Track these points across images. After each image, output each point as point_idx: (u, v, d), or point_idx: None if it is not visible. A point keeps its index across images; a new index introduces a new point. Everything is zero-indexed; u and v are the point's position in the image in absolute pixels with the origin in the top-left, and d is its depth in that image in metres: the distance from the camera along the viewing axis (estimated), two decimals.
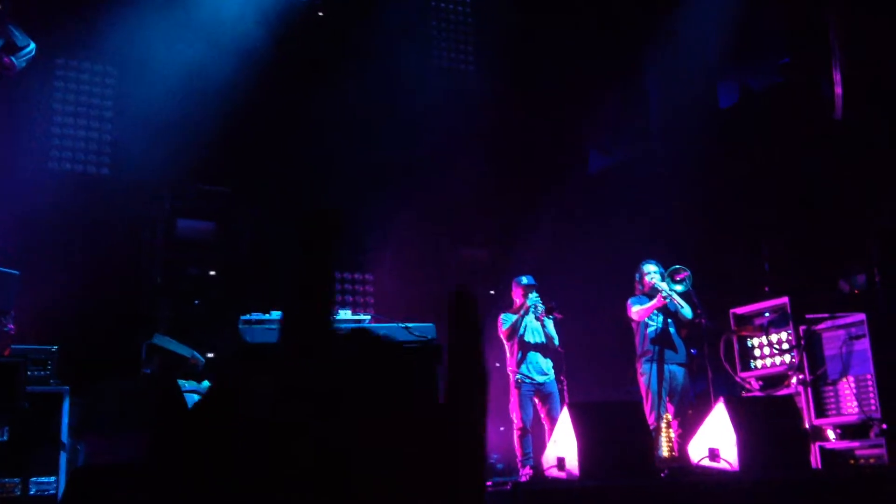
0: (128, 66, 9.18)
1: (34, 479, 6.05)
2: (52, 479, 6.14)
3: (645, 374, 7.23)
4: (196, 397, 6.60)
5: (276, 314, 5.16)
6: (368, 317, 5.38)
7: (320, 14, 9.95)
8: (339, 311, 5.38)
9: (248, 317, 5.03)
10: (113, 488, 4.58)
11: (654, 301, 7.26)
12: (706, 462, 6.11)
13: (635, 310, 7.35)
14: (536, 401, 7.47)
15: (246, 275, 8.99)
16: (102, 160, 9.18)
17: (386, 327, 5.21)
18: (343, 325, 5.19)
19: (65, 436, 6.24)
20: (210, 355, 7.60)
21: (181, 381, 6.51)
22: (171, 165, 8.91)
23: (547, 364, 7.54)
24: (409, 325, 5.21)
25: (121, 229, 8.81)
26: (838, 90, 7.77)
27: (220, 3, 8.95)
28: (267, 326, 5.01)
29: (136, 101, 8.98)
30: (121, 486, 4.60)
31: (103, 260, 8.47)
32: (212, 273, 8.97)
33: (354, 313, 5.41)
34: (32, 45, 7.35)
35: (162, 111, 8.74)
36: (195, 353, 6.69)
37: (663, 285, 7.27)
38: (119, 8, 8.67)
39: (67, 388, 6.35)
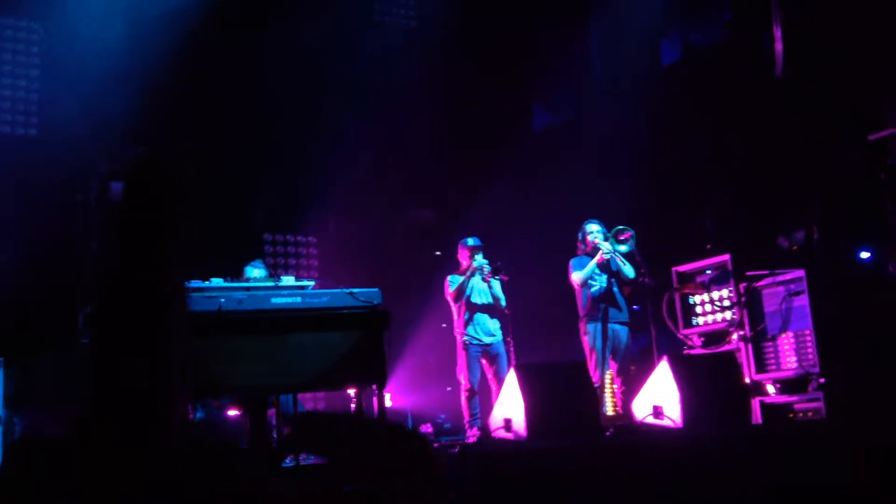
0: (54, 21, 8.80)
1: None
2: None
3: (588, 333, 7.27)
4: None
5: (216, 281, 5.03)
6: (312, 282, 5.26)
7: None
8: (283, 277, 5.25)
9: (188, 284, 4.89)
10: (50, 461, 4.47)
11: (595, 259, 7.27)
12: (650, 419, 6.20)
13: (574, 277, 7.35)
14: (484, 362, 7.47)
15: (183, 240, 8.77)
16: (31, 121, 8.84)
17: (330, 293, 5.11)
18: (286, 291, 5.09)
19: (0, 408, 6.07)
20: None
21: None
22: (104, 126, 8.61)
23: (494, 325, 7.54)
24: (355, 290, 5.11)
25: (53, 193, 8.51)
26: (779, 47, 7.81)
27: None
28: (207, 294, 4.87)
29: (65, 58, 8.65)
30: (58, 458, 4.49)
31: (35, 225, 8.18)
32: None
33: (298, 279, 5.29)
34: None
35: (93, 69, 8.41)
36: None
37: (606, 245, 7.28)
38: None
39: (2, 359, 6.17)
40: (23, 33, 8.93)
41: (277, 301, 4.97)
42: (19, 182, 8.23)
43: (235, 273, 6.46)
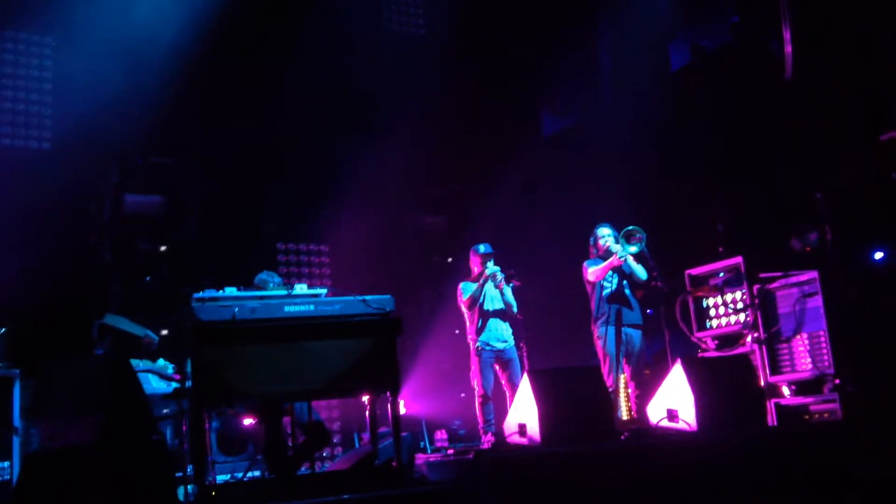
0: (67, 36, 8.89)
1: None
2: (6, 463, 6.03)
3: (601, 337, 7.26)
4: (151, 377, 6.50)
5: (229, 291, 5.06)
6: (325, 290, 5.28)
7: None
8: (296, 286, 5.27)
9: (201, 294, 4.91)
10: (68, 472, 4.50)
11: (610, 260, 7.27)
12: (665, 423, 6.18)
13: (591, 270, 7.34)
14: (497, 368, 7.48)
15: (197, 249, 8.83)
16: (44, 134, 8.93)
17: (342, 300, 5.13)
18: (299, 299, 5.11)
19: (17, 420, 6.10)
20: (164, 333, 7.47)
21: (135, 361, 6.39)
22: (116, 138, 8.68)
23: (507, 330, 7.55)
24: (367, 297, 5.13)
25: (67, 205, 8.59)
26: (788, 49, 7.79)
27: None
28: (221, 304, 4.89)
29: (78, 72, 8.72)
30: (76, 469, 4.52)
31: (50, 238, 8.26)
32: (162, 248, 8.80)
33: (311, 286, 5.31)
34: None
35: (105, 83, 8.49)
36: (148, 331, 6.57)
37: (617, 247, 7.28)
38: None
39: (18, 371, 6.20)
40: (35, 48, 9.03)
41: (291, 309, 4.99)
42: (34, 195, 8.30)
43: (249, 282, 6.49)
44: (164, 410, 6.47)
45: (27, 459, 5.80)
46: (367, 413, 5.71)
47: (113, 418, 4.87)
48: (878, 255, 7.78)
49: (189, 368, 5.39)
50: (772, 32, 8.05)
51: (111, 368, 5.41)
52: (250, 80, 9.38)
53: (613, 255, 7.24)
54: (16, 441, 6.05)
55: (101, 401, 5.07)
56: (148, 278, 8.65)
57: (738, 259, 7.34)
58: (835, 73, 7.87)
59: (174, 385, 6.39)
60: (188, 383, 5.78)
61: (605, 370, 7.08)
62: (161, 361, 6.72)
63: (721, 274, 7.50)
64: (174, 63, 8.55)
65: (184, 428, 6.24)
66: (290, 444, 6.15)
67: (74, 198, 8.71)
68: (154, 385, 6.49)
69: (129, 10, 8.50)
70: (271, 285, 6.45)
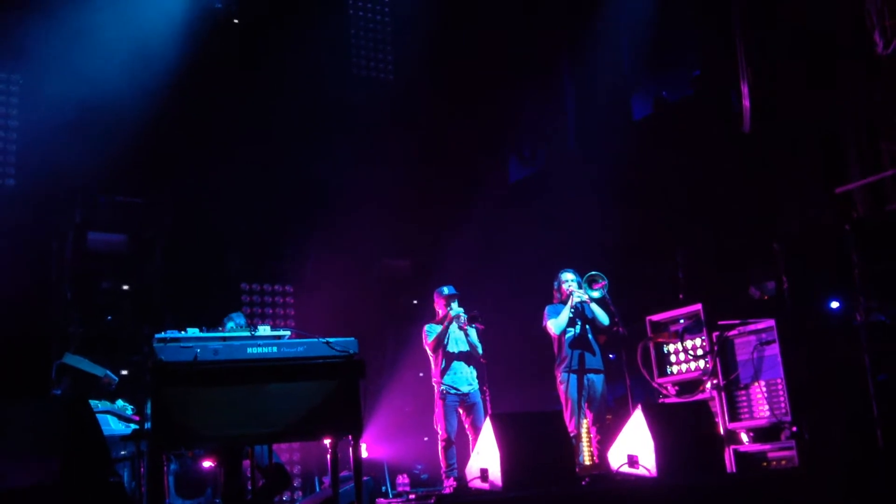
0: (33, 74, 8.88)
1: None
2: None
3: (564, 382, 7.30)
4: (109, 418, 6.41)
5: (191, 332, 5.03)
6: (288, 332, 5.27)
7: (235, 21, 9.80)
8: (259, 327, 5.26)
9: (162, 335, 4.88)
10: None
11: (568, 304, 7.34)
12: (626, 468, 6.23)
13: (550, 324, 7.42)
14: (461, 412, 7.48)
15: (160, 289, 8.77)
16: (7, 171, 8.88)
17: (306, 342, 5.13)
18: (262, 341, 5.10)
19: None
20: (124, 373, 7.39)
21: (94, 402, 6.30)
22: (80, 176, 8.64)
23: (471, 374, 7.56)
24: (331, 339, 5.13)
25: (28, 242, 8.52)
26: (746, 103, 8.02)
27: (131, 11, 8.72)
28: (182, 345, 4.86)
29: (43, 110, 8.70)
30: None
31: (10, 275, 8.15)
32: (125, 287, 8.72)
33: (274, 328, 5.30)
34: None
35: (70, 121, 8.48)
36: (108, 371, 6.48)
37: (579, 291, 7.37)
38: (24, 14, 8.37)
39: None
40: (2, 85, 9.01)
41: (253, 351, 4.97)
42: None
43: (212, 322, 6.46)
44: (123, 452, 6.36)
45: None
46: (328, 456, 5.68)
47: (70, 459, 4.79)
48: (834, 305, 7.94)
49: (148, 410, 5.33)
50: (731, 86, 8.30)
51: (69, 409, 5.33)
52: (216, 120, 9.42)
53: (571, 296, 7.33)
54: None
55: (58, 442, 4.99)
56: (109, 318, 8.56)
57: (698, 306, 7.46)
58: (792, 126, 8.10)
59: (133, 426, 6.31)
60: (147, 425, 5.70)
61: (567, 415, 7.11)
62: (120, 402, 6.63)
63: (681, 321, 7.61)
64: (140, 103, 8.56)
65: (142, 470, 6.14)
66: (250, 488, 6.08)
67: (37, 234, 8.63)
68: (113, 426, 6.40)
69: (95, 49, 8.52)
70: (232, 325, 6.43)
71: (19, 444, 5.16)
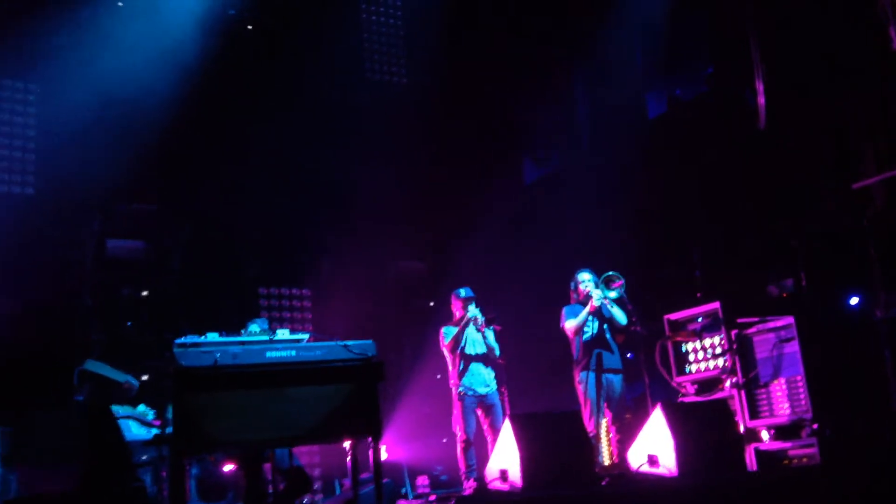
0: (51, 83, 8.97)
1: None
2: None
3: (582, 381, 7.30)
4: (131, 423, 6.46)
5: (211, 336, 5.07)
6: (307, 335, 5.30)
7: (249, 28, 9.86)
8: (278, 331, 5.29)
9: (182, 339, 4.91)
10: None
11: (587, 307, 7.34)
12: (645, 468, 6.21)
13: (568, 325, 7.42)
14: (479, 412, 7.48)
15: (179, 295, 8.83)
16: (27, 180, 8.95)
17: (324, 346, 5.15)
18: (280, 345, 5.13)
19: None
20: (145, 378, 7.44)
21: (115, 407, 6.35)
22: (98, 184, 8.72)
23: (489, 375, 7.57)
24: (349, 342, 5.15)
25: (48, 251, 8.59)
26: (761, 100, 7.98)
27: (146, 19, 8.79)
28: (202, 349, 4.89)
29: (61, 119, 8.78)
30: None
31: (30, 283, 8.24)
32: (144, 293, 8.79)
33: (293, 332, 5.33)
34: None
35: (88, 129, 8.56)
36: (129, 377, 6.54)
37: (597, 292, 7.36)
38: (40, 25, 8.46)
39: None
40: (20, 94, 9.10)
41: (272, 355, 5.00)
42: (16, 240, 8.30)
43: (231, 327, 6.50)
44: (144, 457, 6.41)
45: None
46: (348, 459, 5.69)
47: (93, 465, 4.84)
48: (854, 301, 7.90)
49: (169, 414, 5.37)
50: (746, 83, 8.27)
51: (91, 415, 5.38)
52: (232, 127, 9.48)
53: (591, 299, 7.32)
54: None
55: (81, 448, 5.04)
56: (129, 324, 8.63)
57: (716, 304, 7.43)
58: (808, 122, 8.06)
59: (154, 431, 6.35)
60: (168, 429, 5.74)
61: (586, 415, 7.10)
62: (141, 407, 6.68)
63: (699, 319, 7.58)
64: (157, 111, 8.63)
65: (163, 474, 6.19)
66: (271, 491, 6.11)
67: (56, 243, 8.71)
68: (134, 431, 6.45)
69: (112, 58, 8.60)
70: (255, 329, 6.47)
71: (45, 452, 5.22)
